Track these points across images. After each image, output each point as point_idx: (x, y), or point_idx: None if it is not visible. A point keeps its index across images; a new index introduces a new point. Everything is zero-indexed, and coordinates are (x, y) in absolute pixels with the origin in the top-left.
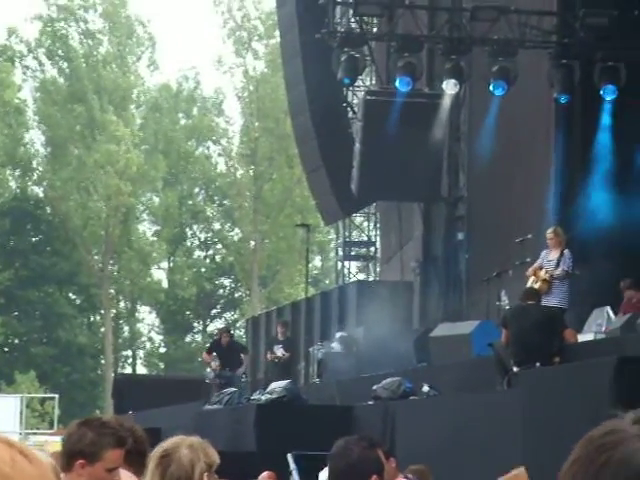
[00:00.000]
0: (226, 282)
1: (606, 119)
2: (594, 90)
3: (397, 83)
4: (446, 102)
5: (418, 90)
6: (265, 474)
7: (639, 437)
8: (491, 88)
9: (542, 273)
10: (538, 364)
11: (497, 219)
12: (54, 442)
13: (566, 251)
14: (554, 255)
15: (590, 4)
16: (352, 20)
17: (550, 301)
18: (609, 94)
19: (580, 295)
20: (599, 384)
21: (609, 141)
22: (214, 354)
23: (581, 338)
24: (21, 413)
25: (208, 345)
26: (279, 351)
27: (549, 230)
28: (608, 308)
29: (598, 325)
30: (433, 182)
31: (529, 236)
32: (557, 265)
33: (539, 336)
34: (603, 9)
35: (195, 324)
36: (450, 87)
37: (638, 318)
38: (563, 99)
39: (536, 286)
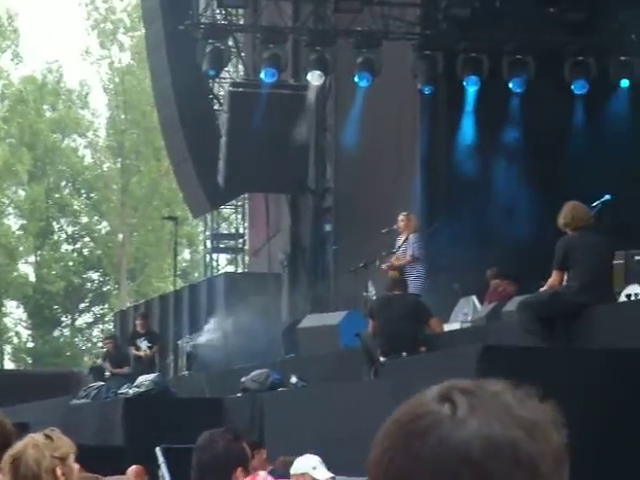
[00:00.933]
0: (94, 276)
1: (469, 109)
2: (457, 81)
3: (262, 74)
4: (312, 93)
5: (284, 81)
6: (133, 468)
7: (449, 418)
8: (356, 79)
9: (398, 261)
10: (404, 354)
11: (364, 210)
12: None
13: (411, 236)
14: (401, 240)
15: None
16: (217, 12)
17: None
18: (472, 85)
19: (446, 284)
20: (464, 372)
21: (472, 130)
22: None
23: (447, 327)
24: None
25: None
26: (143, 344)
27: (400, 215)
28: (474, 297)
29: (464, 314)
30: (300, 174)
31: (395, 226)
32: (401, 250)
33: (404, 326)
34: (465, 0)
35: (63, 318)
36: (315, 78)
37: (503, 307)
38: (427, 90)
39: (390, 274)
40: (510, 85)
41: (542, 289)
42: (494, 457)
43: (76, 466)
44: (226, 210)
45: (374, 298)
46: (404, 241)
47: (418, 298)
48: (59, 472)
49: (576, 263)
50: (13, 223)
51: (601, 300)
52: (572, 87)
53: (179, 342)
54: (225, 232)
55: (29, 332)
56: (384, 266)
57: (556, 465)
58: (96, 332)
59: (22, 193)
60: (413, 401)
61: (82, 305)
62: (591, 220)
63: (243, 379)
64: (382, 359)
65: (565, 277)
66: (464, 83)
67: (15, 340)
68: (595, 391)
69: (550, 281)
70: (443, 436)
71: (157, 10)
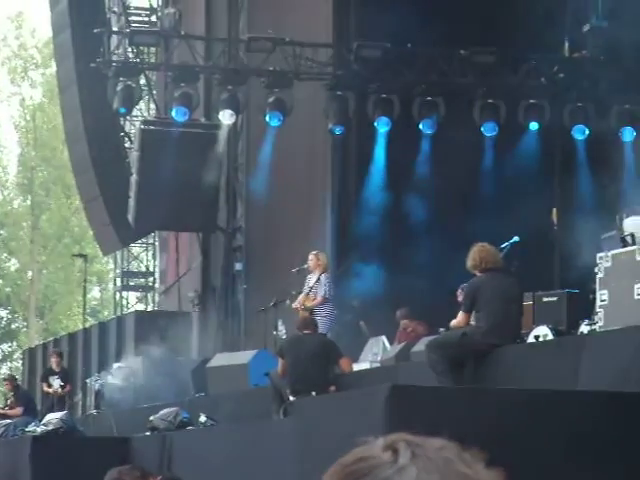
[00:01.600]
0: (3, 313)
1: (380, 150)
2: (369, 121)
3: (173, 113)
4: (223, 133)
5: (195, 120)
6: None
7: (390, 464)
8: (267, 119)
9: (308, 301)
10: (314, 393)
11: (275, 249)
12: None
13: (322, 276)
14: (312, 280)
15: (364, 37)
16: (128, 49)
17: None
18: (382, 126)
19: (356, 324)
20: (373, 412)
21: (383, 171)
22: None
23: (357, 367)
24: None
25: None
26: (56, 382)
27: (310, 254)
28: (384, 337)
29: (374, 354)
30: (211, 212)
31: (305, 266)
32: (313, 291)
33: (314, 365)
34: (377, 42)
35: None
36: (226, 117)
37: (412, 347)
38: (338, 130)
39: (300, 314)
40: (420, 126)
41: (449, 329)
42: None
43: None
44: (136, 248)
45: (284, 337)
46: (316, 281)
47: (327, 338)
48: None
49: (485, 304)
50: None
51: (509, 341)
52: (482, 129)
53: (87, 380)
54: (135, 270)
55: None
56: (295, 305)
57: None
58: (4, 369)
59: None
60: (361, 447)
61: None
62: (500, 261)
63: (152, 418)
64: (292, 398)
65: (474, 318)
66: (375, 124)
67: None
68: (503, 431)
69: (455, 322)
70: (380, 479)
71: (69, 47)
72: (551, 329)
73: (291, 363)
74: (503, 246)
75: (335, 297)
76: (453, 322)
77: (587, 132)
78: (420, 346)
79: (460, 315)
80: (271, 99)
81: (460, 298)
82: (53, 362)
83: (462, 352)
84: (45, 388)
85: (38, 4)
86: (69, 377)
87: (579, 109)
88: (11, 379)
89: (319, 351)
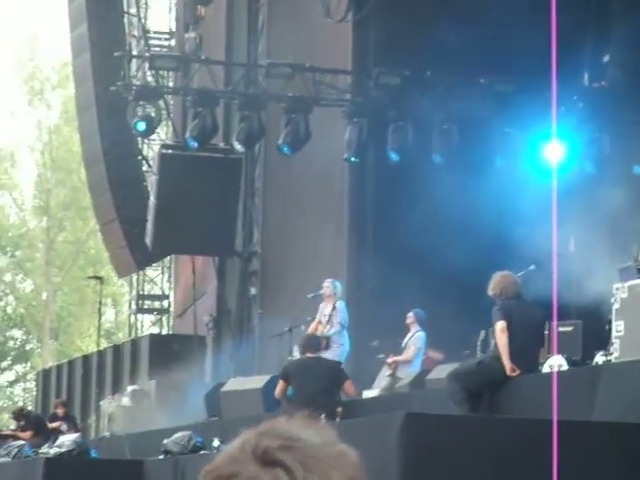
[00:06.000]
0: (17, 334)
1: (396, 177)
2: (385, 149)
3: (187, 140)
4: (241, 157)
5: (214, 145)
6: None
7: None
8: (282, 145)
9: (321, 328)
10: (323, 416)
11: (290, 275)
12: None
13: (338, 304)
14: (328, 309)
15: (384, 64)
16: (148, 73)
17: (326, 355)
18: (399, 153)
19: (372, 351)
20: (387, 439)
21: (399, 199)
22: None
23: (370, 394)
24: None
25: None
26: (63, 427)
27: (325, 282)
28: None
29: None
30: (227, 237)
31: (321, 292)
32: (330, 319)
33: (322, 388)
34: (396, 69)
35: None
36: (245, 143)
37: (427, 374)
38: (355, 158)
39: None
40: (434, 155)
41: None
42: None
43: None
44: (152, 271)
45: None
46: (332, 309)
47: (333, 361)
48: None
49: (509, 331)
50: None
51: (526, 370)
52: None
53: (101, 403)
54: (150, 293)
55: None
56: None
57: (365, 478)
58: (17, 390)
59: None
60: (234, 475)
61: (4, 363)
62: (520, 289)
63: (165, 441)
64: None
65: (493, 342)
66: (391, 151)
67: None
68: (517, 461)
69: (499, 341)
70: None
71: (88, 70)
72: (566, 359)
73: (298, 386)
74: (519, 274)
75: (351, 325)
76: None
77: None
78: (435, 373)
79: (499, 335)
80: (288, 126)
81: (409, 321)
82: (59, 412)
83: (480, 381)
84: (51, 424)
85: (53, 25)
86: (75, 424)
87: (595, 140)
88: (19, 413)
89: (326, 374)
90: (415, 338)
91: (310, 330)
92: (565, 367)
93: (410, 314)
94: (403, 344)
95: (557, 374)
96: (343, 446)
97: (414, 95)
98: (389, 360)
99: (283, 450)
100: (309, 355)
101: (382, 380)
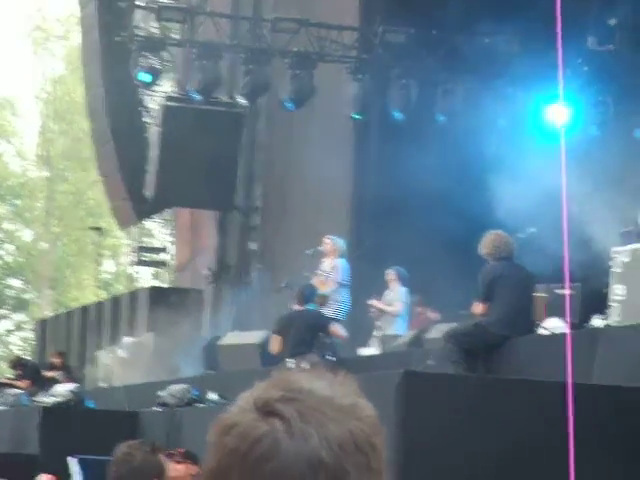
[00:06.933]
0: (15, 283)
1: (399, 134)
2: (389, 106)
3: (191, 92)
4: (244, 111)
5: (217, 98)
6: (43, 477)
7: (288, 434)
8: (285, 101)
9: (322, 285)
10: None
11: (291, 230)
12: None
13: (338, 261)
14: (328, 265)
15: (390, 21)
16: (153, 25)
17: (326, 313)
18: (402, 111)
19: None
20: (384, 397)
21: (401, 156)
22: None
23: (368, 352)
24: None
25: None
26: (60, 377)
27: (326, 238)
28: (376, 321)
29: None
30: (228, 191)
31: (320, 248)
32: (328, 276)
33: (309, 335)
34: (402, 27)
35: None
36: (249, 97)
37: (425, 333)
38: (358, 115)
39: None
40: (436, 115)
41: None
42: (342, 456)
43: None
44: (152, 223)
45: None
46: (331, 266)
47: (316, 311)
48: None
49: (499, 294)
50: None
51: (522, 332)
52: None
53: (98, 354)
54: (150, 245)
55: None
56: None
57: (380, 434)
58: (15, 339)
59: None
60: (236, 424)
61: (2, 312)
62: (513, 251)
63: (161, 393)
64: (290, 361)
65: (488, 307)
66: (394, 109)
67: None
68: (511, 421)
69: (474, 310)
70: (289, 455)
71: (94, 20)
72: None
73: (284, 339)
74: (520, 236)
75: (350, 282)
76: (473, 311)
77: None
78: (433, 333)
79: (476, 304)
80: (293, 80)
81: (388, 278)
82: (56, 362)
83: (476, 342)
84: (48, 374)
85: None
86: (72, 375)
87: (599, 103)
88: (17, 361)
89: (307, 324)
90: (399, 293)
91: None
92: (563, 330)
93: (390, 270)
94: (385, 299)
95: (562, 336)
96: (357, 399)
97: (419, 54)
98: (372, 301)
99: (283, 401)
100: (296, 308)
101: (374, 340)
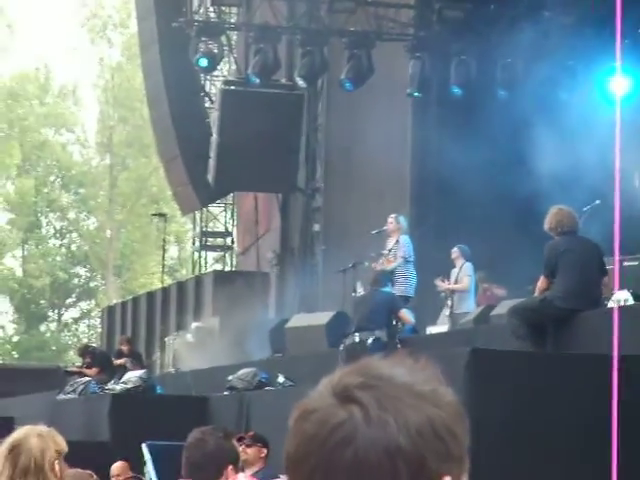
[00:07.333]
0: (81, 271)
1: (459, 111)
2: (448, 83)
3: (250, 76)
4: (303, 92)
5: (276, 80)
6: (118, 464)
7: (366, 421)
8: (344, 81)
9: (386, 263)
10: (377, 332)
11: (354, 211)
12: None
13: (401, 237)
14: (391, 242)
15: None
16: (210, 9)
17: (394, 290)
18: (461, 88)
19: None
20: (453, 375)
21: (462, 134)
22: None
23: (435, 330)
24: None
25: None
26: (128, 364)
27: (390, 217)
28: (446, 300)
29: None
30: (290, 173)
31: (384, 228)
32: (393, 253)
33: (369, 315)
34: (459, 2)
35: (50, 313)
36: (307, 79)
37: (491, 310)
38: (417, 92)
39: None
40: (496, 90)
41: (533, 295)
42: (420, 443)
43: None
44: (215, 208)
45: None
46: (395, 243)
47: (389, 292)
48: (57, 467)
49: (564, 268)
50: (1, 217)
51: (589, 306)
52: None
53: (166, 339)
54: (213, 230)
55: (14, 326)
56: (375, 265)
57: (461, 421)
58: (82, 327)
59: (11, 187)
60: (315, 410)
61: (69, 300)
62: (577, 225)
63: (230, 377)
64: (356, 335)
65: (553, 281)
66: (454, 85)
67: (0, 333)
68: (581, 396)
69: (539, 286)
70: (367, 443)
71: (151, 7)
72: (632, 293)
73: (354, 317)
74: (585, 209)
75: (415, 259)
76: (537, 287)
77: None
78: (499, 309)
79: (541, 279)
80: (351, 60)
81: (454, 256)
82: (125, 350)
83: (542, 317)
84: (116, 361)
85: None
86: (141, 361)
87: None
88: (85, 349)
89: (377, 303)
90: (464, 268)
91: (379, 265)
92: (631, 302)
93: (454, 249)
94: (453, 278)
95: (620, 309)
96: (437, 386)
97: (477, 29)
98: (439, 282)
99: (362, 388)
100: (373, 288)
101: (444, 318)
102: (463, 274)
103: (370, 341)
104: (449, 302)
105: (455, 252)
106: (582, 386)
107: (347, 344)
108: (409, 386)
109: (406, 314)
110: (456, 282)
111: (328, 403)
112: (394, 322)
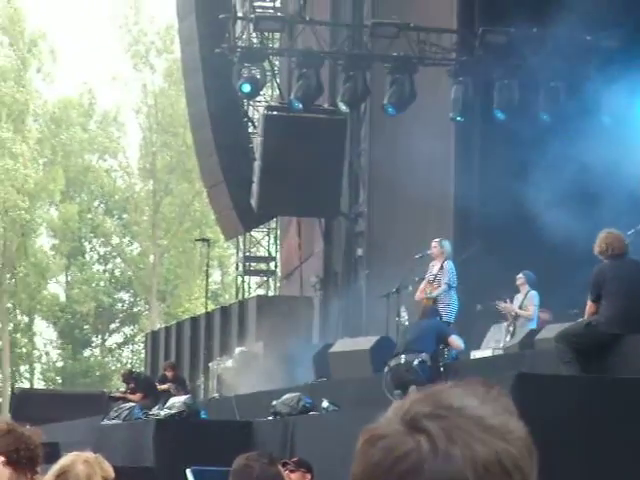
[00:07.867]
0: (125, 296)
1: (502, 137)
2: (491, 108)
3: (293, 101)
4: (346, 117)
5: (318, 106)
6: None
7: (433, 452)
8: (387, 105)
9: (429, 288)
10: (424, 354)
11: (397, 235)
12: None
13: (446, 263)
14: (436, 268)
15: (489, 22)
16: (253, 35)
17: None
18: (505, 113)
19: (480, 311)
20: None
21: (505, 159)
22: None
23: (479, 354)
24: None
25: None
26: (172, 389)
27: (434, 241)
28: (506, 324)
29: (496, 341)
30: (333, 197)
31: (428, 252)
32: (437, 278)
33: (414, 339)
34: (501, 27)
35: (93, 338)
36: (349, 103)
37: (536, 335)
38: (460, 117)
39: (424, 302)
40: (539, 114)
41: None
42: (486, 477)
43: None
44: (258, 233)
45: (406, 324)
46: (439, 268)
47: (436, 319)
48: None
49: (610, 292)
50: (45, 242)
51: (634, 331)
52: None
53: (210, 364)
54: (256, 255)
55: (59, 352)
56: (418, 295)
57: (529, 456)
58: (126, 352)
59: (55, 213)
60: (383, 437)
61: (112, 325)
62: (626, 248)
63: (274, 402)
64: (403, 357)
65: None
66: (497, 110)
67: (45, 359)
68: (628, 421)
69: (587, 310)
70: (433, 475)
71: (194, 33)
72: None
73: (403, 339)
74: (630, 232)
75: (459, 285)
76: (585, 312)
77: None
78: (544, 333)
79: (589, 304)
80: (393, 84)
81: (519, 282)
82: (169, 376)
83: (587, 342)
84: (160, 386)
85: None
86: (185, 386)
87: None
88: (129, 375)
89: (424, 329)
90: (530, 297)
91: (419, 290)
92: None
93: (520, 275)
94: (518, 304)
95: None
96: (508, 419)
97: (520, 53)
98: (502, 304)
99: (431, 418)
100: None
101: (490, 340)
102: (529, 302)
103: (416, 363)
104: (511, 328)
105: (520, 278)
106: (630, 410)
107: (392, 365)
108: (479, 418)
109: (456, 340)
110: (520, 308)
111: (396, 430)
112: (441, 347)
